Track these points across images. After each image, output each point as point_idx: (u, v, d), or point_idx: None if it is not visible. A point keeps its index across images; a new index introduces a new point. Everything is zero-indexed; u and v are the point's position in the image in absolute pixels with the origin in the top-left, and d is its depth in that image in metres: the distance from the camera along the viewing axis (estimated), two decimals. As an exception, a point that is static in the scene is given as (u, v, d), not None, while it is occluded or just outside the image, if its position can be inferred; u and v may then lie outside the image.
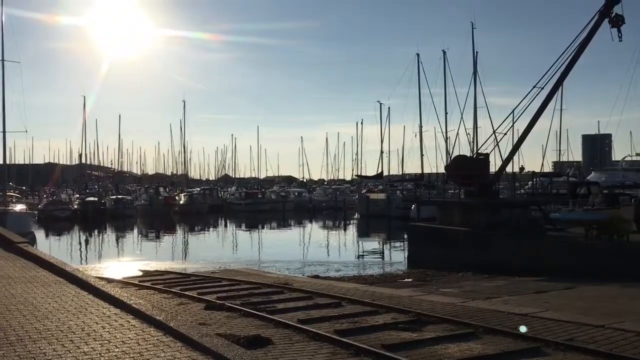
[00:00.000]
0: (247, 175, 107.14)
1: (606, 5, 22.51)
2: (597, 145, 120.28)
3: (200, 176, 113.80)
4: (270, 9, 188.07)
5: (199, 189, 76.04)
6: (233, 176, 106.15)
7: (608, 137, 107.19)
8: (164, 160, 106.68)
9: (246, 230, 49.98)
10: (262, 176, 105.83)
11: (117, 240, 41.79)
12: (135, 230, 47.99)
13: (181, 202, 63.55)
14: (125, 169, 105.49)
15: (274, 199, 68.74)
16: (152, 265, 22.47)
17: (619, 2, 22.54)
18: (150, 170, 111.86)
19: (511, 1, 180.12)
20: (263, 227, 50.90)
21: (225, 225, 55.17)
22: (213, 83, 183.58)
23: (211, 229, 51.79)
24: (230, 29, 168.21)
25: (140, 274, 17.92)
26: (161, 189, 67.77)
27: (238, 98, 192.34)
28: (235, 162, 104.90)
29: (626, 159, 54.05)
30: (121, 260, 29.53)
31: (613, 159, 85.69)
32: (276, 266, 23.66)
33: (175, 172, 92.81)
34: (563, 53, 23.02)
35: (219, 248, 36.98)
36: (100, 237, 44.42)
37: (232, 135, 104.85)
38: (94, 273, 16.13)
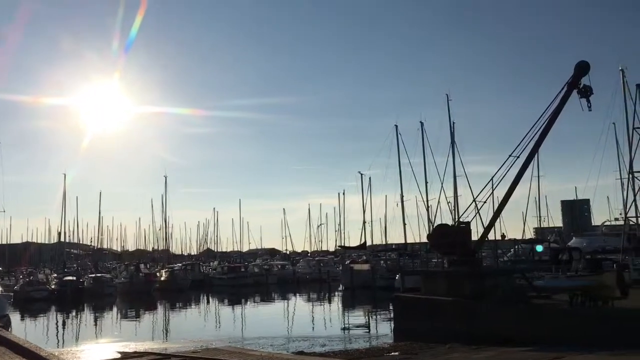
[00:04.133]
0: (230, 249, 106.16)
1: (574, 77, 23.52)
2: (576, 211, 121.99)
3: (182, 251, 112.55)
4: (253, 84, 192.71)
5: (180, 264, 74.92)
6: (215, 250, 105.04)
7: (586, 202, 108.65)
8: (145, 236, 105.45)
9: (229, 306, 48.94)
10: (245, 249, 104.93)
11: (95, 320, 40.55)
12: (115, 310, 46.70)
13: (162, 278, 62.34)
14: (105, 246, 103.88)
15: (257, 273, 67.81)
16: (132, 347, 21.75)
17: (586, 73, 23.59)
18: (131, 247, 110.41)
19: (485, 73, 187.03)
20: (246, 302, 49.91)
21: (208, 301, 54.01)
22: (194, 157, 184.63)
23: (193, 305, 50.63)
24: (213, 105, 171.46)
25: (119, 356, 17.33)
26: (142, 266, 66.62)
27: (220, 171, 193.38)
28: (217, 236, 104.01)
29: (606, 224, 54.77)
30: (99, 342, 28.56)
31: (593, 224, 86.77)
32: (260, 343, 23.06)
33: (156, 247, 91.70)
34: (536, 123, 23.80)
35: (201, 325, 36.02)
36: (78, 317, 43.07)
37: (214, 208, 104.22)
38: (69, 357, 15.58)
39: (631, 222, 34.15)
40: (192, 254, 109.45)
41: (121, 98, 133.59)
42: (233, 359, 14.33)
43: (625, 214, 34.04)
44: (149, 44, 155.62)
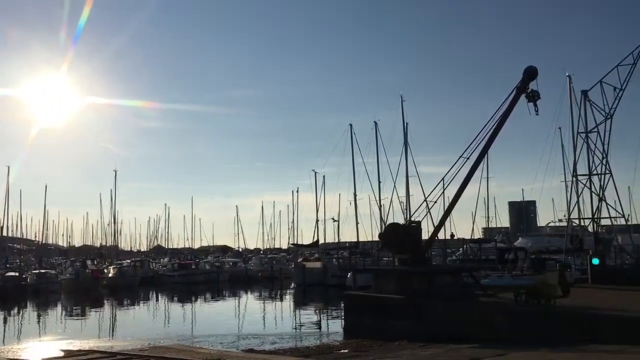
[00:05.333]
0: (181, 246, 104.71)
1: (523, 81, 24.16)
2: (522, 212, 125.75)
3: (131, 247, 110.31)
4: (208, 79, 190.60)
5: (129, 260, 73.36)
6: (166, 247, 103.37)
7: (532, 203, 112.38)
8: (92, 232, 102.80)
9: (179, 303, 48.23)
10: (197, 246, 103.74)
11: (38, 317, 39.24)
12: (59, 307, 45.31)
13: (110, 275, 60.83)
14: (50, 242, 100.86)
15: (208, 270, 67.02)
16: (76, 344, 21.17)
17: (534, 78, 24.27)
18: (78, 242, 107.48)
19: (439, 75, 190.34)
20: (196, 299, 49.31)
21: (157, 299, 53.04)
22: (146, 152, 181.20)
23: (142, 302, 49.63)
24: (167, 97, 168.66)
25: (62, 354, 16.80)
26: (89, 262, 64.81)
27: (172, 167, 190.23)
28: (168, 232, 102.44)
29: (550, 225, 56.70)
30: (42, 340, 27.66)
31: (538, 225, 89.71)
32: (209, 341, 22.82)
33: (104, 243, 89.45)
34: (485, 125, 24.35)
35: (150, 323, 35.37)
36: (21, 315, 41.59)
37: (165, 204, 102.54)
38: (10, 355, 15.05)
39: (574, 224, 35.40)
40: (142, 250, 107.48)
41: (70, 90, 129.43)
42: (181, 356, 14.12)
43: (569, 215, 35.30)
44: (99, 34, 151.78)
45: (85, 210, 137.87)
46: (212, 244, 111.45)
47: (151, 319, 38.47)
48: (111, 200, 77.47)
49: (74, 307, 44.53)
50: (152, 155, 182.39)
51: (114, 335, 29.68)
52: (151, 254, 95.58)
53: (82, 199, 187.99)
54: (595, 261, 28.28)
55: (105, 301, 48.61)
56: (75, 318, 38.94)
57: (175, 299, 51.03)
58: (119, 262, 70.01)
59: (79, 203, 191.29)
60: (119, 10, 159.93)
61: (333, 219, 55.23)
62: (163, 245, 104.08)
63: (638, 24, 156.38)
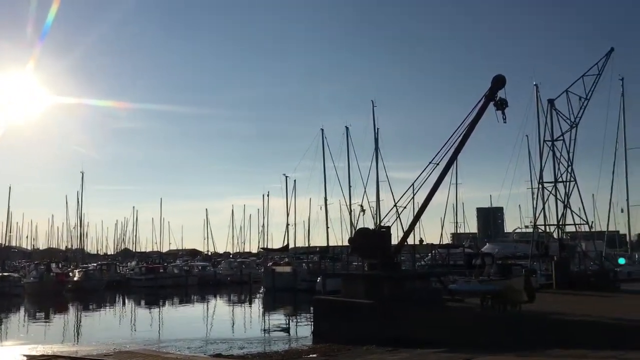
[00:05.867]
0: (149, 249, 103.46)
1: (491, 89, 24.53)
2: (490, 218, 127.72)
3: (97, 251, 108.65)
4: (177, 79, 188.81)
5: (95, 264, 72.11)
6: (133, 250, 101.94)
7: (500, 210, 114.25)
8: (58, 234, 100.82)
9: (146, 308, 47.56)
10: (165, 249, 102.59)
11: (0, 322, 38.26)
12: (22, 311, 44.26)
13: (75, 278, 59.65)
14: (14, 244, 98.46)
15: (176, 274, 66.30)
16: (39, 349, 20.72)
17: (502, 87, 24.66)
18: (42, 245, 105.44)
19: (411, 81, 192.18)
20: (164, 304, 48.69)
21: (124, 303, 52.21)
22: (116, 153, 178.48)
23: (108, 306, 48.78)
24: (139, 97, 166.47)
25: (25, 359, 16.44)
26: (53, 265, 63.51)
27: (141, 169, 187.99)
28: (136, 236, 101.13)
29: (517, 231, 57.66)
30: (4, 345, 26.92)
31: (505, 231, 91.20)
32: (176, 345, 22.54)
33: (70, 246, 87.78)
34: (455, 132, 24.61)
35: (116, 327, 34.77)
36: (-19, 319, 40.51)
37: (133, 207, 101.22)
38: (-31, 361, 14.63)
39: (540, 230, 36.05)
40: (109, 253, 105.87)
41: (36, 88, 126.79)
42: (147, 362, 13.94)
43: (535, 222, 35.94)
44: (67, 32, 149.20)
45: (50, 212, 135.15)
46: (181, 248, 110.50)
47: (117, 323, 37.83)
48: (78, 202, 76.26)
49: (38, 312, 43.55)
50: (122, 157, 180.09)
51: (79, 340, 29.07)
52: (118, 258, 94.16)
53: (48, 201, 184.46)
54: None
55: (70, 305, 47.64)
56: (39, 322, 38.09)
57: (143, 303, 50.32)
58: (84, 265, 68.82)
59: (45, 205, 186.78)
60: (89, 7, 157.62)
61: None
62: (131, 248, 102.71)
63: (605, 35, 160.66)
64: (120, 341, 24.46)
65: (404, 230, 27.21)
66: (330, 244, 58.74)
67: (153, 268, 66.55)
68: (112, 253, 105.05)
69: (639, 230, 77.21)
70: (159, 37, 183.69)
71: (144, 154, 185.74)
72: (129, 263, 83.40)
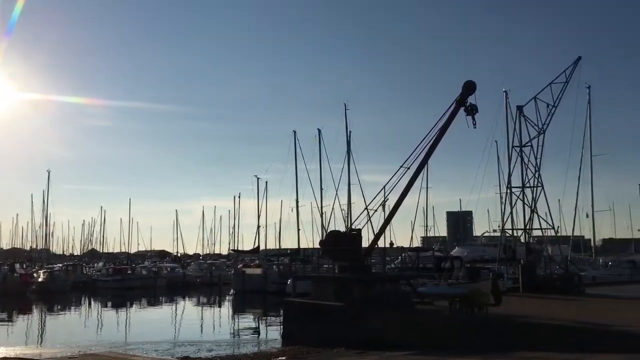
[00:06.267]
0: (117, 250, 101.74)
1: (462, 95, 24.82)
2: (459, 222, 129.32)
3: (63, 251, 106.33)
4: (150, 77, 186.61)
5: (61, 264, 70.66)
6: (101, 251, 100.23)
7: (469, 214, 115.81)
8: (22, 234, 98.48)
9: (113, 309, 46.79)
10: (133, 250, 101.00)
11: (-40, 323, 37.18)
12: (-17, 312, 43.14)
13: (40, 279, 58.36)
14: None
15: (144, 275, 65.37)
16: (1, 352, 20.19)
17: (473, 92, 24.98)
18: (6, 245, 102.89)
19: (384, 86, 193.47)
20: (132, 306, 47.95)
21: (90, 304, 51.28)
22: (83, 151, 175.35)
23: (73, 308, 47.83)
24: (110, 95, 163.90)
25: (-15, 362, 16.00)
26: (17, 266, 62.09)
27: (110, 168, 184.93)
28: (103, 236, 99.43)
29: (485, 235, 58.44)
30: (-37, 347, 26.20)
31: (474, 235, 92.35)
32: (144, 348, 22.23)
33: (35, 246, 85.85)
34: (426, 136, 24.83)
35: (81, 329, 34.12)
36: (-60, 320, 39.31)
37: (101, 207, 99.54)
38: None
39: (507, 234, 36.59)
40: (75, 254, 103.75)
41: (2, 84, 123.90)
42: (113, 365, 13.69)
43: (503, 226, 36.48)
44: (35, 27, 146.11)
45: (14, 211, 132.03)
46: (149, 249, 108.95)
47: (83, 325, 37.12)
48: (43, 201, 74.69)
49: (0, 313, 42.46)
50: (91, 156, 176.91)
51: (43, 342, 28.45)
52: (85, 258, 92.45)
53: (12, 199, 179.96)
54: None
55: (34, 306, 46.61)
56: (1, 324, 37.11)
57: (109, 305, 49.48)
58: (50, 266, 67.39)
59: (9, 204, 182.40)
60: (56, 3, 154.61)
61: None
62: (98, 249, 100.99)
63: (574, 43, 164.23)
64: (86, 344, 24.01)
65: (375, 233, 27.34)
66: (301, 246, 58.71)
67: (120, 269, 65.51)
68: (79, 254, 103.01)
69: (604, 235, 79.48)
70: (131, 34, 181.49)
71: (114, 153, 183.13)
72: (95, 264, 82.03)
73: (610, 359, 13.03)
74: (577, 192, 48.20)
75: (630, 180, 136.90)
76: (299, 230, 60.01)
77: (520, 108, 32.25)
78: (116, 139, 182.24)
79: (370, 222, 27.77)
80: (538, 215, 32.10)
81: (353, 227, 28.55)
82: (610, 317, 18.23)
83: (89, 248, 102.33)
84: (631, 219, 69.83)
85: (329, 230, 40.39)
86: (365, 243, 26.30)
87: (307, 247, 59.14)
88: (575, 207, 49.32)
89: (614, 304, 24.26)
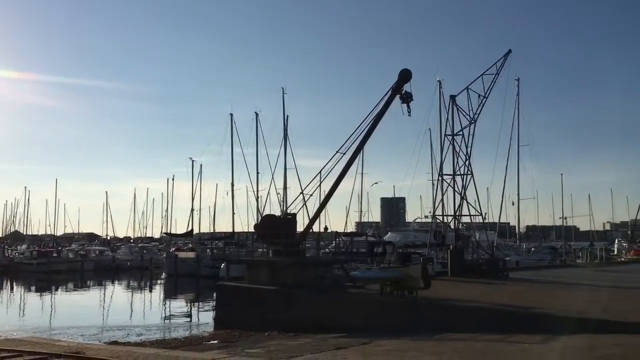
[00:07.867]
0: (42, 232, 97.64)
1: (398, 82, 25.16)
2: (393, 208, 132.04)
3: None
4: (85, 54, 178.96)
5: (-20, 247, 67.22)
6: (24, 233, 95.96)
7: (402, 200, 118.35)
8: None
9: (36, 294, 45.05)
10: (60, 233, 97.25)
11: None
12: None
13: (-43, 262, 55.43)
14: None
15: (71, 258, 63.22)
16: None
17: (408, 80, 25.35)
18: None
19: (324, 73, 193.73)
20: (57, 290, 46.31)
21: (12, 289, 49.13)
22: (6, 129, 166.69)
23: (-7, 293, 45.75)
24: (42, 69, 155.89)
25: None
26: None
27: (35, 147, 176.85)
28: (27, 218, 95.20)
29: (417, 221, 59.94)
30: None
31: (406, 221, 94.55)
32: (69, 333, 21.55)
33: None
34: (362, 122, 25.03)
35: (2, 315, 32.69)
36: None
37: (25, 187, 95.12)
38: None
39: (438, 220, 37.60)
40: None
41: None
42: (36, 349, 13.16)
43: (434, 212, 37.44)
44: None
45: None
46: (77, 232, 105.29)
47: (4, 310, 35.58)
48: (-39, 180, 70.52)
49: None
50: (13, 134, 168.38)
51: (-41, 328, 27.03)
52: (7, 241, 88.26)
53: None
54: None
55: (-50, 291, 44.23)
56: None
57: (33, 289, 47.63)
58: (-32, 248, 63.97)
59: None
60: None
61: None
62: (21, 231, 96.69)
63: (507, 36, 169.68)
64: (7, 329, 22.97)
65: (310, 217, 27.45)
66: (236, 230, 58.25)
67: (45, 252, 63.05)
68: (1, 236, 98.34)
69: (528, 222, 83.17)
70: (64, 8, 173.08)
71: (40, 131, 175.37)
72: (18, 246, 78.60)
73: (530, 339, 13.68)
74: (505, 181, 50.22)
75: (554, 170, 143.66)
76: (233, 214, 59.62)
77: (453, 97, 33.01)
78: (41, 117, 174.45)
79: (306, 206, 27.89)
80: (467, 203, 33.15)
81: (288, 211, 28.58)
82: (531, 300, 19.13)
83: (12, 230, 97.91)
84: (553, 207, 73.32)
85: (264, 214, 40.28)
86: (300, 227, 26.42)
87: (242, 231, 58.84)
88: (502, 195, 51.37)
89: (534, 287, 25.45)
